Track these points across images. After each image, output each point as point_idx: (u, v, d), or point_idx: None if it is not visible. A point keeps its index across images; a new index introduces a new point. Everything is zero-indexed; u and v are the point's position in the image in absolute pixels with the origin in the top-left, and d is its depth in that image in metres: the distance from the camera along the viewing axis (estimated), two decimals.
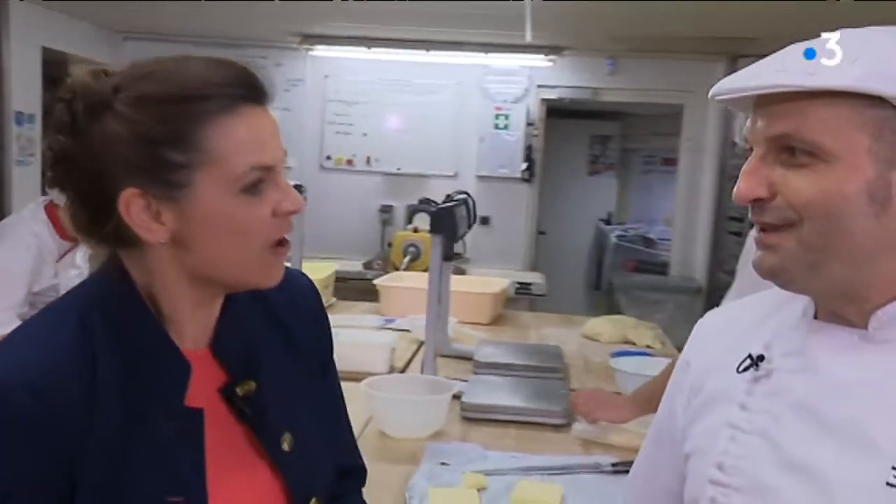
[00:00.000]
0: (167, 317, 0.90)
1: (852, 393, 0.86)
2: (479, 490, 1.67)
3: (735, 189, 0.89)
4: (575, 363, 2.87)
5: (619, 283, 5.58)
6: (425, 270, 4.42)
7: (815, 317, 0.93)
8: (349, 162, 5.46)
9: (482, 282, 3.74)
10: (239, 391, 0.94)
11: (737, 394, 0.96)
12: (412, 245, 4.74)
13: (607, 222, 8.06)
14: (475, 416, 2.23)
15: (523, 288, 4.45)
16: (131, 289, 0.89)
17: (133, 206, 0.84)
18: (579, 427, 2.14)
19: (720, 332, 1.07)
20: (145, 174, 0.84)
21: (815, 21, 4.83)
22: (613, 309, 6.00)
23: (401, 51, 4.95)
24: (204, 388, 0.92)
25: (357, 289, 4.10)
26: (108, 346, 0.85)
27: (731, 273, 4.97)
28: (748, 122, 0.90)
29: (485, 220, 5.28)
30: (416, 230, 4.91)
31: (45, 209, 2.64)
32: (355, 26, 4.88)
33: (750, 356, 0.95)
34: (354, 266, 4.95)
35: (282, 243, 0.91)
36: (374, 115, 5.48)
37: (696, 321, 4.06)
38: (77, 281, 2.96)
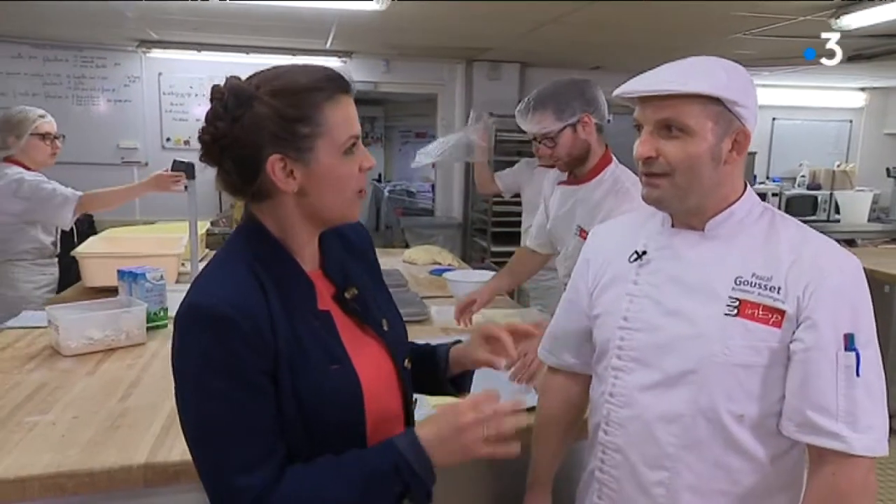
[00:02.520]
0: (294, 250, 0.93)
1: (699, 267, 1.03)
2: None
3: (635, 151, 1.02)
4: (409, 280, 2.89)
5: (405, 223, 5.63)
6: None
7: (672, 226, 1.08)
8: (186, 142, 4.91)
9: None
10: (347, 296, 0.97)
11: (630, 275, 1.09)
12: None
13: (379, 181, 8.07)
14: None
15: None
16: (269, 234, 0.91)
17: (276, 167, 0.87)
18: (438, 318, 2.19)
19: (607, 240, 1.18)
20: (284, 143, 0.86)
21: (523, 39, 5.20)
22: (390, 243, 6.11)
23: (226, 53, 4.53)
24: (326, 296, 0.95)
25: (209, 243, 3.80)
26: (266, 275, 0.88)
27: (482, 212, 5.29)
28: (637, 110, 1.01)
29: None
30: None
31: None
32: (188, 33, 4.37)
33: (636, 252, 1.09)
34: (204, 225, 4.52)
35: (361, 191, 0.94)
36: (205, 105, 4.85)
37: (458, 247, 4.46)
38: None
